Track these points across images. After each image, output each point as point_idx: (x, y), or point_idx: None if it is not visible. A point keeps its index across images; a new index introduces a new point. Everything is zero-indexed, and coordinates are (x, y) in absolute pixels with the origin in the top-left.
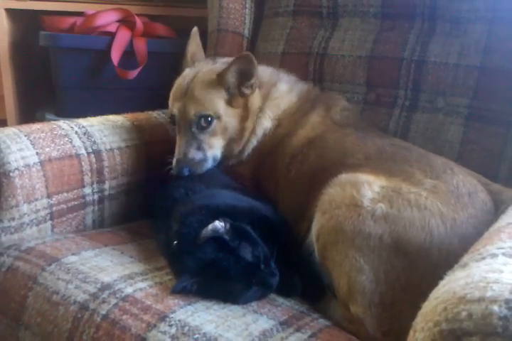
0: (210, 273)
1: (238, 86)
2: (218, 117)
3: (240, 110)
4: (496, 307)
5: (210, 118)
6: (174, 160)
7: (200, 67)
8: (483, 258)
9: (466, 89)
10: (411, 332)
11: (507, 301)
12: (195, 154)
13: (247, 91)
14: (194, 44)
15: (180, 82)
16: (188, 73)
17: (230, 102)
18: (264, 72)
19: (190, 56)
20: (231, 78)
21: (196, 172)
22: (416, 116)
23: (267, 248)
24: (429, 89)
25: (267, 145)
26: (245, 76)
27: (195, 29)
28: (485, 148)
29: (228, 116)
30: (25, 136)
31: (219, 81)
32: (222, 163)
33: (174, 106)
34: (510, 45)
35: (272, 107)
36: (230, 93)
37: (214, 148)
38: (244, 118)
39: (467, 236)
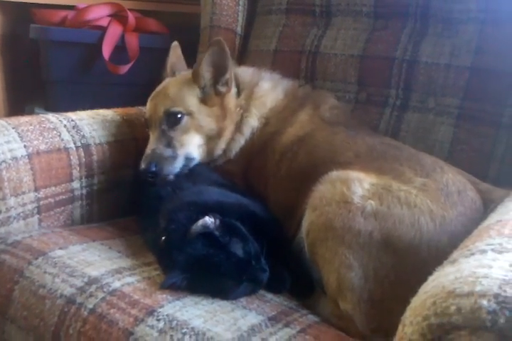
0: (200, 269)
1: (213, 84)
2: (190, 114)
3: (216, 109)
4: (484, 302)
5: (180, 115)
6: (143, 157)
7: (179, 75)
8: (473, 254)
9: (456, 89)
10: (400, 327)
11: (496, 296)
12: (163, 150)
13: (222, 89)
14: (174, 56)
15: (157, 88)
16: (166, 81)
17: (204, 101)
18: (245, 72)
19: (170, 67)
20: (206, 73)
21: (165, 170)
22: (407, 116)
23: (256, 244)
24: (421, 89)
25: (256, 143)
26: (220, 69)
27: (175, 43)
28: (475, 148)
29: (202, 114)
30: (13, 128)
31: (194, 79)
32: (208, 164)
33: (147, 107)
34: (501, 46)
35: (258, 106)
36: (205, 92)
37: (187, 146)
38: (221, 117)
39: (456, 234)
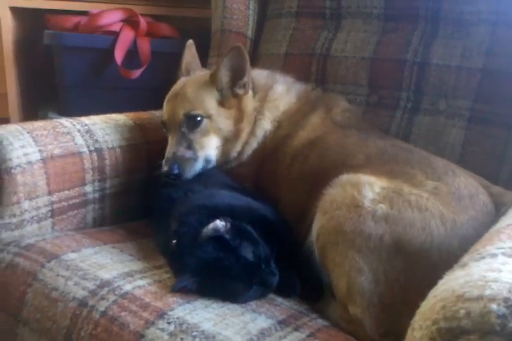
0: (211, 273)
1: (231, 87)
2: (209, 117)
3: (234, 111)
4: (494, 306)
5: (199, 118)
6: (164, 160)
7: (195, 75)
8: (483, 257)
9: (468, 91)
10: (409, 331)
11: (505, 300)
12: (184, 152)
13: (239, 91)
14: (189, 55)
15: (173, 88)
16: (182, 80)
17: (222, 103)
18: (259, 75)
19: (185, 66)
20: (224, 77)
21: (186, 171)
22: (418, 119)
23: (266, 247)
24: (432, 91)
25: (268, 146)
26: (238, 73)
27: (190, 41)
28: (486, 150)
29: (221, 117)
30: (28, 133)
31: (212, 81)
32: (222, 166)
33: (165, 109)
34: None
35: (271, 109)
36: (222, 94)
37: (206, 148)
38: (238, 119)
39: (467, 238)
